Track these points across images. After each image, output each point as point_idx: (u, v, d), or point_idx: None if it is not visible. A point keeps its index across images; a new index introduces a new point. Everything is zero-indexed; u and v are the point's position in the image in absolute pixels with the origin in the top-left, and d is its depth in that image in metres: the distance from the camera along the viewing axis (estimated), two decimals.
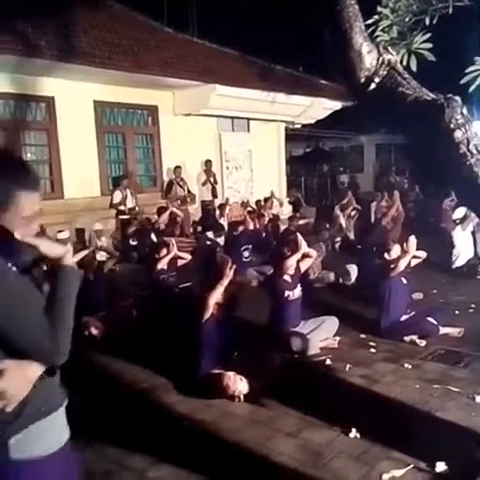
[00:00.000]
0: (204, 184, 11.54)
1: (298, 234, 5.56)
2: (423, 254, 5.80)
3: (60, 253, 1.54)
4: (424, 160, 2.05)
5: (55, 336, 1.45)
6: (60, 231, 7.52)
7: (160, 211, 9.72)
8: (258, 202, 12.09)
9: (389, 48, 2.06)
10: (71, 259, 1.59)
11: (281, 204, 13.12)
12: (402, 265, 5.33)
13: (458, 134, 1.87)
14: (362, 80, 2.03)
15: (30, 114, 9.35)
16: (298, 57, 13.93)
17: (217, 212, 11.13)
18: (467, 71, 2.65)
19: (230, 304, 4.45)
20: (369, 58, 2.02)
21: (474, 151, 1.87)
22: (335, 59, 2.10)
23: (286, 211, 12.88)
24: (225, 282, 4.25)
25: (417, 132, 1.97)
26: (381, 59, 2.02)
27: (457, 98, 1.89)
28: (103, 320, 5.55)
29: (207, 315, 4.21)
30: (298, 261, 5.30)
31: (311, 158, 21.19)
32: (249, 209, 10.95)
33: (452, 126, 1.86)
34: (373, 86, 2.03)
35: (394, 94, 1.99)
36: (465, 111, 1.89)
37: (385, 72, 2.02)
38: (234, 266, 4.36)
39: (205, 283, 4.44)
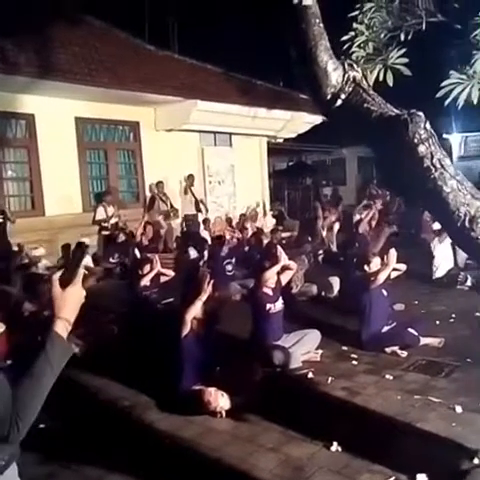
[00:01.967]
0: (186, 193, 11.52)
1: (278, 246, 5.58)
2: (403, 267, 5.85)
3: None
4: (392, 174, 2.09)
5: (17, 418, 1.39)
6: (35, 248, 7.42)
7: (145, 226, 9.71)
8: (242, 216, 12.14)
9: (354, 65, 2.10)
10: (65, 326, 1.53)
11: (265, 214, 13.18)
12: (382, 278, 5.37)
13: (422, 148, 1.91)
14: (328, 96, 2.07)
15: (10, 131, 9.31)
16: (278, 72, 14.09)
17: (201, 226, 11.15)
18: (443, 85, 2.71)
19: (211, 319, 4.44)
20: (335, 75, 2.06)
21: (438, 165, 1.90)
22: (302, 76, 2.14)
23: (269, 224, 12.94)
24: (203, 297, 4.25)
25: (383, 147, 2.01)
26: (347, 76, 2.06)
27: (420, 113, 1.94)
28: (84, 337, 5.49)
29: (186, 331, 4.19)
30: (279, 274, 5.32)
31: (294, 172, 21.34)
32: (228, 228, 10.94)
33: (416, 141, 1.90)
34: (339, 102, 2.06)
35: (360, 110, 2.03)
36: (428, 126, 1.93)
37: (351, 89, 2.06)
38: (212, 281, 4.36)
39: (185, 298, 4.43)
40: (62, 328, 1.52)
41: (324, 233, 10.33)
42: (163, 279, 6.75)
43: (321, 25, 2.06)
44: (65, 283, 1.56)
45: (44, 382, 1.45)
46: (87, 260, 8.19)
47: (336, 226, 10.81)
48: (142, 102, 10.42)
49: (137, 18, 15.10)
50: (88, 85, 8.77)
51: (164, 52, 12.12)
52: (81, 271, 1.60)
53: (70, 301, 1.55)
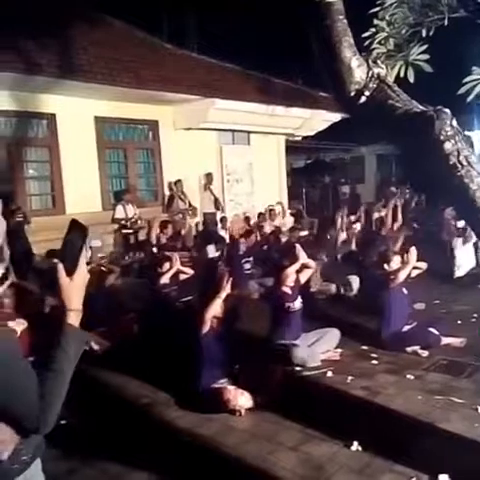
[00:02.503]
0: (205, 191, 11.55)
1: (297, 245, 5.56)
2: (424, 265, 5.78)
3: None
4: (416, 171, 2.06)
5: (45, 412, 1.44)
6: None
7: (163, 225, 9.74)
8: (260, 214, 12.13)
9: (378, 62, 2.08)
10: (76, 316, 1.53)
11: (284, 212, 13.14)
12: (402, 276, 5.32)
13: (448, 145, 1.88)
14: (352, 93, 2.05)
15: (32, 131, 9.41)
16: (297, 70, 14.03)
17: (219, 225, 11.17)
18: (465, 81, 2.67)
19: (230, 317, 4.45)
20: (359, 72, 2.04)
21: (464, 162, 1.87)
22: (326, 73, 2.13)
23: (288, 223, 12.89)
24: (223, 295, 4.25)
25: (408, 144, 1.99)
26: (371, 73, 2.04)
27: (446, 110, 1.91)
28: (104, 335, 5.54)
29: (205, 329, 4.20)
30: (298, 272, 5.30)
31: (312, 170, 21.22)
32: (247, 227, 10.90)
33: (442, 138, 1.87)
34: (363, 99, 2.05)
35: (384, 107, 2.01)
36: (455, 123, 1.90)
37: (375, 85, 2.04)
38: (231, 279, 4.36)
39: (204, 297, 4.44)
40: (74, 319, 1.53)
41: (344, 234, 10.23)
42: (182, 277, 6.77)
43: (345, 21, 2.05)
44: (70, 270, 1.53)
45: (65, 375, 1.50)
46: (94, 243, 8.25)
47: (357, 226, 10.70)
48: (161, 101, 10.46)
49: (155, 17, 15.17)
50: (108, 85, 8.83)
51: (182, 51, 12.15)
52: (84, 254, 1.55)
53: (78, 290, 1.55)
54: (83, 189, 9.74)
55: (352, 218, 11.09)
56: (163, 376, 4.69)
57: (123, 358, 5.11)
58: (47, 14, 8.69)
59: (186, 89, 10.15)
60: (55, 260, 1.56)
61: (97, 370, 4.88)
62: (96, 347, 5.34)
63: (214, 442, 3.66)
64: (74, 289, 1.54)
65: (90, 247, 8.25)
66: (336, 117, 13.09)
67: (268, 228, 11.20)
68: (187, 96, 10.26)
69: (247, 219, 11.92)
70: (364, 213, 11.54)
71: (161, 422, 4.03)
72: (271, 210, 12.27)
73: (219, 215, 11.54)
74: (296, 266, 5.25)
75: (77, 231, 1.57)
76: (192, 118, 10.99)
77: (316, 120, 13.14)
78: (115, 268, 6.85)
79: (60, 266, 1.53)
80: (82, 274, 1.56)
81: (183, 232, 9.93)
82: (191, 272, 6.77)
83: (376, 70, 2.04)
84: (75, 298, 1.54)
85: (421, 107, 2.01)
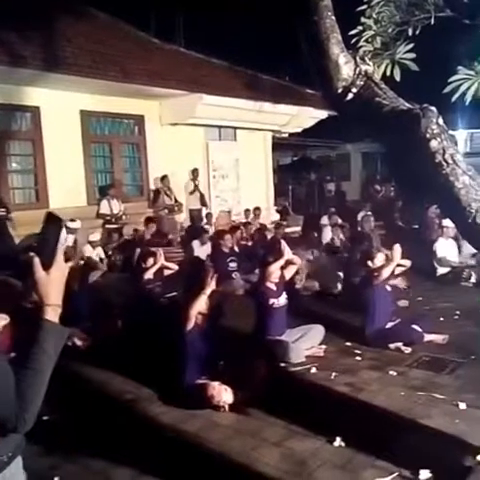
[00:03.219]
0: (192, 193, 11.53)
1: (282, 241, 5.57)
2: (407, 262, 5.83)
3: None
4: (402, 169, 2.07)
5: (23, 411, 1.39)
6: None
7: (147, 221, 9.69)
8: (246, 211, 12.14)
9: (366, 59, 2.08)
10: (55, 311, 1.46)
11: (269, 209, 13.15)
12: (386, 273, 5.36)
13: (434, 144, 1.89)
14: (339, 90, 2.05)
15: (15, 124, 9.28)
16: (284, 66, 14.04)
17: (204, 221, 11.15)
18: (450, 80, 2.69)
19: (214, 313, 4.44)
20: (346, 68, 2.05)
21: (449, 160, 1.89)
22: (313, 69, 2.12)
23: (274, 219, 12.91)
24: (207, 291, 4.25)
25: (394, 142, 1.99)
26: (358, 69, 2.05)
27: (433, 108, 1.92)
28: (88, 331, 5.50)
29: (190, 325, 4.19)
30: (283, 268, 5.31)
31: (298, 167, 21.29)
32: (233, 224, 10.88)
33: (428, 136, 1.88)
34: (350, 96, 2.05)
35: (371, 104, 2.02)
36: (441, 121, 1.91)
37: (362, 82, 2.04)
38: (216, 275, 4.36)
39: (188, 293, 4.43)
40: (52, 314, 1.47)
41: (329, 232, 10.25)
42: (167, 272, 6.75)
43: (333, 18, 2.04)
44: (47, 264, 1.46)
45: (44, 373, 1.45)
46: (67, 237, 8.06)
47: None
48: (147, 96, 10.38)
49: (143, 11, 15.03)
50: (93, 78, 8.73)
51: (170, 45, 12.07)
52: (61, 247, 1.49)
53: (56, 284, 1.48)
54: (67, 183, 9.63)
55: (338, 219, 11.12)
56: (147, 372, 4.67)
57: (107, 354, 5.08)
58: (31, 5, 8.56)
59: (173, 84, 10.08)
60: (31, 254, 1.50)
61: (80, 366, 4.85)
62: (79, 343, 5.31)
63: (198, 438, 3.65)
64: (52, 283, 1.47)
65: (68, 228, 8.04)
66: (323, 114, 13.13)
67: (254, 225, 11.21)
68: (174, 91, 10.20)
69: (230, 215, 11.93)
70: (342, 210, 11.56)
71: (145, 418, 4.01)
72: (256, 209, 12.25)
73: (205, 211, 11.51)
74: (281, 262, 5.25)
75: (53, 224, 1.51)
76: (179, 113, 10.93)
77: (303, 117, 13.16)
78: (100, 264, 6.80)
79: (36, 260, 1.46)
80: (60, 268, 1.49)
81: (166, 227, 9.89)
82: (175, 267, 6.75)
83: (363, 67, 2.04)
84: (53, 293, 1.47)
85: (407, 105, 2.01)
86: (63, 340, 1.50)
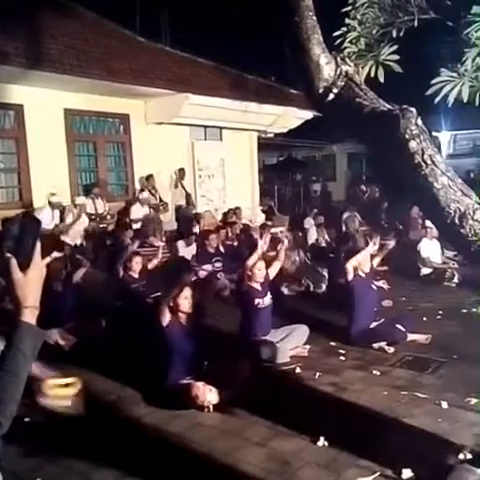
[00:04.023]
0: (176, 187, 11.48)
1: (256, 236, 5.58)
2: (392, 242, 5.90)
3: None
4: (382, 169, 2.08)
5: (1, 420, 1.35)
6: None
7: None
8: (230, 210, 12.11)
9: (346, 59, 2.09)
10: (32, 313, 1.42)
11: (254, 209, 13.15)
12: (361, 257, 5.39)
13: (413, 144, 1.90)
14: (321, 90, 2.06)
15: None
16: (270, 67, 14.03)
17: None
18: (433, 82, 2.70)
19: (196, 312, 4.43)
20: (327, 69, 2.05)
21: (428, 161, 1.90)
22: (295, 69, 2.12)
23: (259, 220, 12.90)
24: (184, 288, 4.25)
25: (374, 142, 2.00)
26: (339, 70, 2.05)
27: (412, 109, 1.93)
28: (71, 331, 5.46)
29: (165, 320, 4.17)
30: (267, 268, 5.31)
31: (284, 167, 21.32)
32: (219, 224, 10.89)
33: (407, 136, 1.89)
34: (331, 96, 2.05)
35: (352, 104, 2.02)
36: (420, 122, 1.92)
37: (343, 83, 2.04)
38: (193, 273, 4.38)
39: (168, 291, 4.42)
40: (30, 316, 1.43)
41: (314, 232, 10.29)
42: (151, 266, 6.83)
43: (314, 18, 2.05)
44: (24, 265, 1.42)
45: (20, 376, 1.41)
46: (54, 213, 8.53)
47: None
48: (132, 94, 10.31)
49: (128, 10, 14.94)
50: (78, 76, 8.64)
51: (155, 44, 11.99)
52: (38, 247, 1.44)
53: (34, 286, 1.44)
54: (51, 182, 9.53)
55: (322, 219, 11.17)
56: (130, 372, 4.65)
57: (90, 354, 5.04)
58: (15, 1, 8.45)
59: (158, 83, 10.03)
60: (8, 254, 1.44)
61: (63, 366, 4.79)
62: (62, 343, 5.26)
63: (182, 438, 3.64)
64: (29, 285, 1.43)
65: (51, 203, 8.70)
66: (308, 115, 13.14)
67: (238, 225, 11.19)
68: (159, 90, 10.14)
69: (215, 215, 11.91)
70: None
71: (128, 419, 3.99)
72: (236, 209, 12.22)
73: (193, 211, 11.46)
74: (257, 254, 5.23)
75: (30, 224, 1.47)
76: (164, 112, 10.88)
77: (289, 117, 13.17)
78: (85, 262, 6.73)
79: (13, 261, 1.43)
80: (38, 268, 1.45)
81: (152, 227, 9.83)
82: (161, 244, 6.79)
83: (344, 68, 2.05)
84: (30, 294, 1.43)
85: (387, 106, 2.02)
86: (40, 342, 1.47)
